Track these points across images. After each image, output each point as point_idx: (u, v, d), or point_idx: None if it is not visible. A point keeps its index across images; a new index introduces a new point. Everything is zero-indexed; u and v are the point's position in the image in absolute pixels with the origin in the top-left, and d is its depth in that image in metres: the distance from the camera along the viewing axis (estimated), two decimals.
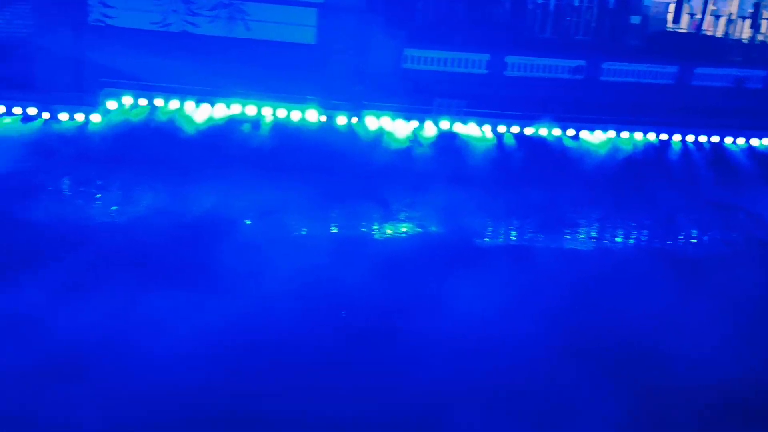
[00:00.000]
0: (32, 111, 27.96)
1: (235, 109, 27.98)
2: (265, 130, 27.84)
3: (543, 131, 29.48)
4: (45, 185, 25.79)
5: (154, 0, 27.55)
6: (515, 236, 26.46)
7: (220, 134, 27.41)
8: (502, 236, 26.25)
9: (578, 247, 25.81)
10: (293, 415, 15.11)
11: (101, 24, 27.83)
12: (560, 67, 31.34)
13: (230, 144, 27.10)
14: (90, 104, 27.80)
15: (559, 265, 23.48)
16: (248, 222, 24.60)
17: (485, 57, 30.63)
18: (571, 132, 29.77)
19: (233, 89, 27.64)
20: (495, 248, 25.19)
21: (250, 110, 28.02)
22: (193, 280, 19.72)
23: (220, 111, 27.94)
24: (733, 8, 49.54)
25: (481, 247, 25.01)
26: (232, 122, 27.80)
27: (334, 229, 25.14)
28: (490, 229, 26.45)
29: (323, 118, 28.33)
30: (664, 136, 30.49)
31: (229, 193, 25.40)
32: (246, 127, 27.76)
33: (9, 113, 27.93)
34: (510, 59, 30.86)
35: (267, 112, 28.11)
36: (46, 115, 27.96)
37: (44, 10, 28.83)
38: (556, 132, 29.54)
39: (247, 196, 25.31)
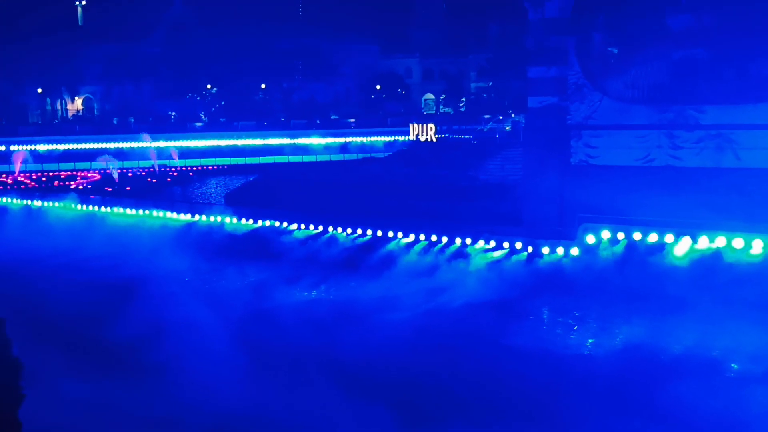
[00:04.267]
0: (518, 245, 30.70)
1: (720, 242, 26.10)
2: (755, 264, 25.18)
3: None
4: (527, 313, 27.54)
5: (638, 138, 28.19)
6: None
7: (704, 268, 25.72)
8: None
9: None
10: None
11: (584, 164, 29.51)
12: None
13: (715, 278, 25.16)
14: (569, 238, 29.20)
15: None
16: (735, 366, 22.05)
17: None
18: None
19: (717, 221, 25.95)
20: None
21: (737, 243, 25.78)
22: None
23: (703, 244, 26.38)
24: None
25: None
26: (717, 256, 25.90)
27: None
28: None
29: None
30: None
31: (713, 332, 23.32)
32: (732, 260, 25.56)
33: (499, 247, 31.14)
34: None
35: (758, 245, 25.48)
36: (530, 249, 30.35)
37: (532, 154, 31.98)
38: None
39: (735, 337, 22.84)
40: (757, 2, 29.62)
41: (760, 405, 19.35)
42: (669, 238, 27.06)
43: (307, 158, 66.13)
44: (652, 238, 27.44)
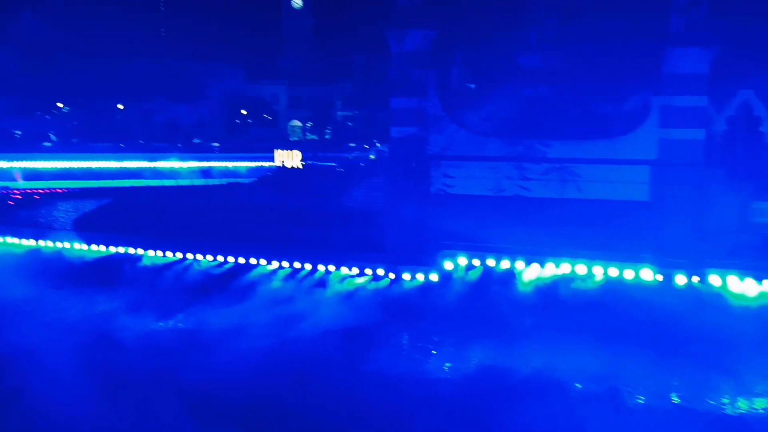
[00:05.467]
0: (380, 272, 31.17)
1: (565, 268, 27.87)
2: (596, 289, 27.07)
3: None
4: (387, 339, 27.90)
5: (491, 169, 29.65)
6: None
7: (551, 293, 27.31)
8: None
9: None
10: None
11: (442, 192, 30.58)
12: None
13: (560, 303, 26.76)
14: (429, 264, 30.07)
15: None
16: (579, 386, 23.47)
17: None
18: None
19: (563, 248, 27.72)
20: None
21: (580, 269, 27.64)
22: None
23: (550, 270, 28.05)
24: None
25: None
26: (562, 281, 27.61)
27: (675, 400, 22.66)
28: None
29: (659, 278, 26.67)
30: None
31: (559, 353, 24.70)
32: (577, 286, 27.36)
33: (362, 274, 31.47)
34: None
35: (598, 271, 27.44)
36: (392, 275, 30.90)
37: (395, 183, 32.70)
38: None
39: (578, 358, 24.32)
40: (597, 47, 32.22)
41: (602, 421, 20.68)
42: (519, 264, 28.57)
43: (167, 183, 63.82)
44: (505, 264, 28.85)
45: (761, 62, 30.79)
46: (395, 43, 31.29)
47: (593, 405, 21.53)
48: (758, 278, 25.62)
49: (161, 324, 29.95)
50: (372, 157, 58.06)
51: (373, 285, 30.95)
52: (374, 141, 68.19)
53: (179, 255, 34.89)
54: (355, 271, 31.58)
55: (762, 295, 25.54)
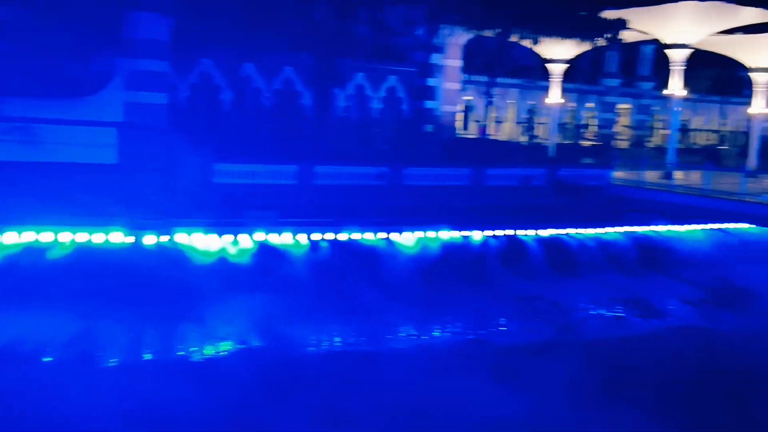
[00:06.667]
0: None
1: (29, 236, 26.02)
2: (64, 256, 26.07)
3: (356, 236, 30.41)
4: None
5: None
6: (339, 342, 26.41)
7: (14, 266, 25.24)
8: (325, 344, 26.11)
9: (397, 347, 26.25)
10: None
11: None
12: (365, 174, 33.06)
13: (26, 274, 24.99)
14: None
15: (382, 366, 23.76)
16: (48, 358, 22.53)
17: (293, 168, 31.54)
18: (382, 235, 30.97)
19: (26, 216, 25.81)
20: (317, 356, 24.98)
21: (46, 237, 26.18)
22: None
23: (12, 239, 25.84)
24: (511, 115, 56.30)
25: (304, 357, 24.73)
26: (27, 251, 25.77)
27: (148, 357, 23.66)
28: (313, 337, 26.26)
29: (129, 239, 27.16)
30: (465, 234, 32.57)
31: (27, 327, 23.22)
32: (44, 255, 25.88)
33: None
34: (318, 169, 32.05)
35: (65, 237, 26.41)
36: None
37: None
38: (369, 236, 30.59)
39: (48, 329, 23.27)
40: (60, 3, 30.50)
41: (74, 387, 20.31)
42: None
43: None
44: None
45: (220, 35, 33.70)
46: None
47: (63, 373, 21.00)
48: (219, 233, 28.32)
49: None
50: None
51: None
52: None
53: None
54: None
55: (222, 248, 28.34)
